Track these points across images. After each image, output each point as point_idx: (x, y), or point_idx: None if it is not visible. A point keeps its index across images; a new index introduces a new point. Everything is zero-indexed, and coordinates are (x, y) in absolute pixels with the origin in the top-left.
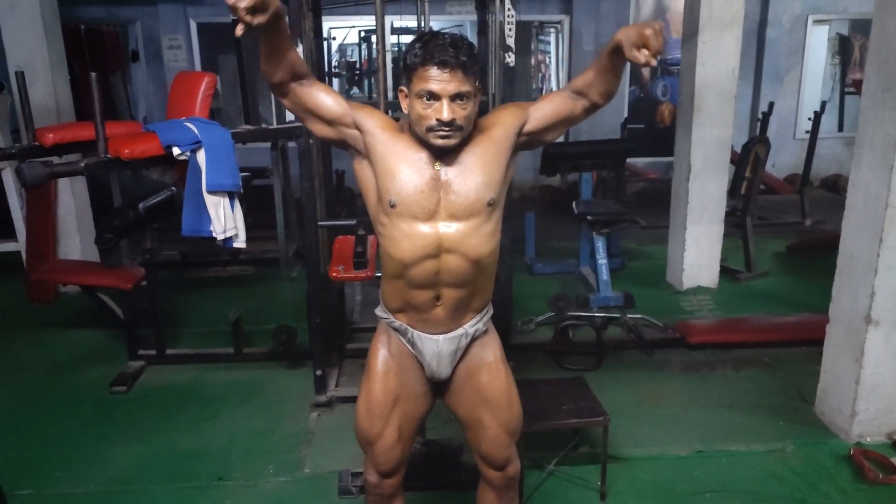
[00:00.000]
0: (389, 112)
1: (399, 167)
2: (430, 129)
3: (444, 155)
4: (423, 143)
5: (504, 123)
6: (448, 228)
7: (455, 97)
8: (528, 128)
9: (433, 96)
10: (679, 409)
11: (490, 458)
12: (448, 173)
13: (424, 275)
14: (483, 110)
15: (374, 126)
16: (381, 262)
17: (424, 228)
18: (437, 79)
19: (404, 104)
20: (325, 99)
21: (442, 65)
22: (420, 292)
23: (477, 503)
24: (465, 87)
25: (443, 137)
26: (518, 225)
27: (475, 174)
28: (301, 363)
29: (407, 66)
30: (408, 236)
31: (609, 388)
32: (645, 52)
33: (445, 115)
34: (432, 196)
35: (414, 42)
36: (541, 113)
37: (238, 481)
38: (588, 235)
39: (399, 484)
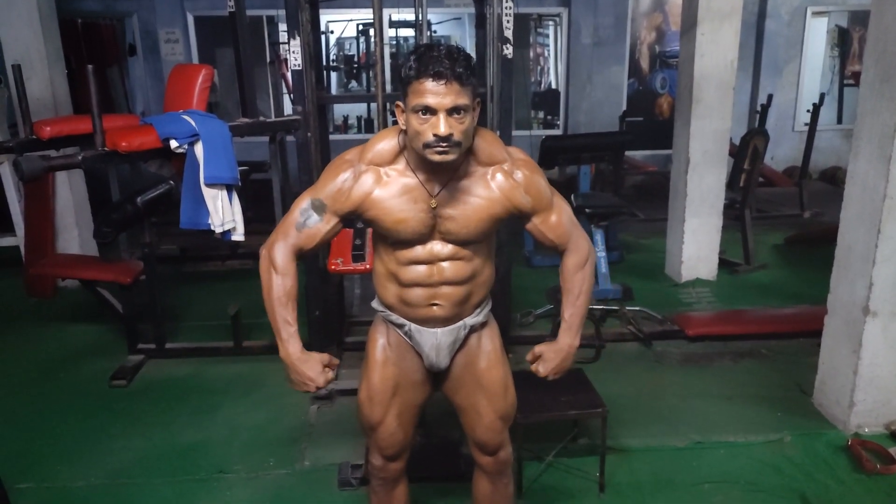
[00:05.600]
0: (387, 105)
1: (394, 217)
2: (428, 146)
3: (440, 187)
4: (417, 168)
5: (516, 198)
6: (443, 248)
7: (452, 111)
8: (526, 219)
9: (429, 111)
10: (677, 400)
11: (484, 443)
12: (445, 209)
13: (419, 277)
14: (482, 103)
15: (359, 198)
16: (376, 257)
17: (419, 248)
18: (433, 92)
19: (401, 119)
20: (324, 234)
21: (437, 76)
22: (416, 294)
23: (472, 491)
24: (462, 101)
25: (440, 153)
26: None
27: (471, 222)
28: None
29: (402, 81)
30: (403, 249)
31: (608, 380)
32: (536, 368)
33: (442, 129)
34: (427, 226)
35: (409, 55)
36: (540, 229)
37: (238, 474)
38: (586, 228)
39: (403, 469)
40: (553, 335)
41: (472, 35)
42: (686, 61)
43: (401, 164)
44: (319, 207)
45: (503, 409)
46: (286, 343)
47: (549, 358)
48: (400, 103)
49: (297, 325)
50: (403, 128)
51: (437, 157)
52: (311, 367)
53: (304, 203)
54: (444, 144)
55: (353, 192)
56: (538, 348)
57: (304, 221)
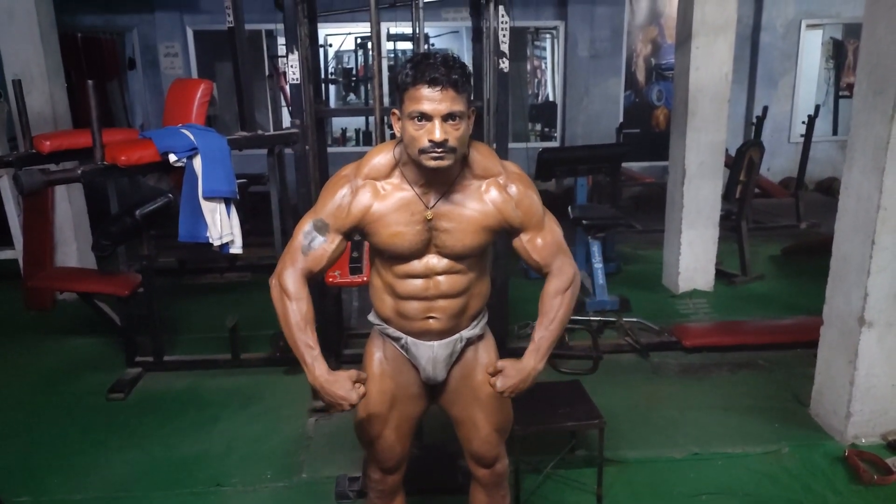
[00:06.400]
0: (385, 118)
1: (391, 231)
2: (423, 151)
3: (435, 200)
4: (412, 181)
5: (507, 211)
6: (439, 262)
7: (447, 117)
8: (514, 235)
9: (425, 117)
10: (675, 411)
11: (480, 456)
12: (440, 221)
13: (416, 290)
14: (478, 115)
15: (359, 213)
16: (373, 271)
17: (415, 262)
18: (429, 98)
19: (396, 127)
20: (330, 253)
21: (433, 83)
22: (412, 307)
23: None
24: (458, 107)
25: (436, 159)
26: None
27: (466, 235)
28: (299, 368)
29: (398, 88)
30: (399, 263)
31: (605, 392)
32: (494, 381)
33: (438, 135)
34: (422, 240)
35: (405, 63)
36: (526, 247)
37: (236, 487)
38: (584, 240)
39: (401, 480)
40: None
41: (469, 48)
42: (681, 74)
43: (396, 178)
44: (322, 228)
45: (499, 422)
46: (311, 367)
47: (510, 375)
48: (396, 110)
49: (319, 348)
50: (398, 134)
51: (432, 163)
52: (341, 387)
53: (306, 226)
54: (440, 150)
55: (353, 208)
56: (500, 363)
57: (310, 244)
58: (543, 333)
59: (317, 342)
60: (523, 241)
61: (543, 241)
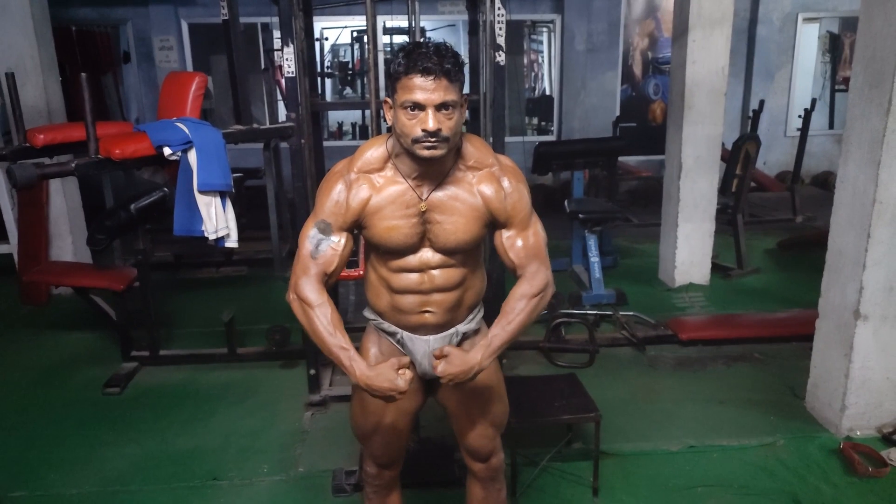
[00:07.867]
0: (381, 112)
1: (386, 224)
2: (416, 141)
3: (429, 192)
4: (405, 173)
5: (494, 203)
6: (433, 256)
7: (440, 107)
8: (497, 228)
9: (417, 106)
10: (671, 404)
11: (476, 450)
12: (433, 213)
13: (411, 284)
14: (475, 109)
15: (359, 206)
16: (368, 266)
17: (410, 256)
18: (422, 87)
19: (389, 115)
20: (340, 252)
21: (426, 72)
22: (408, 301)
23: (466, 497)
24: (451, 97)
25: (429, 148)
26: None
27: (459, 228)
28: (295, 363)
29: (391, 77)
30: (394, 258)
31: (601, 385)
32: (436, 364)
33: (431, 124)
34: (417, 234)
35: (397, 52)
36: (504, 244)
37: (232, 481)
38: (580, 233)
39: (397, 475)
40: (547, 341)
41: (466, 42)
42: (678, 68)
43: (390, 171)
44: (325, 229)
45: (495, 417)
46: (351, 369)
47: (454, 364)
48: (388, 99)
49: (353, 347)
50: (390, 122)
51: (425, 153)
52: (385, 378)
53: (310, 231)
54: (433, 139)
55: (352, 201)
56: (447, 348)
57: (317, 247)
58: (498, 332)
59: (349, 342)
60: (503, 238)
61: (524, 242)
